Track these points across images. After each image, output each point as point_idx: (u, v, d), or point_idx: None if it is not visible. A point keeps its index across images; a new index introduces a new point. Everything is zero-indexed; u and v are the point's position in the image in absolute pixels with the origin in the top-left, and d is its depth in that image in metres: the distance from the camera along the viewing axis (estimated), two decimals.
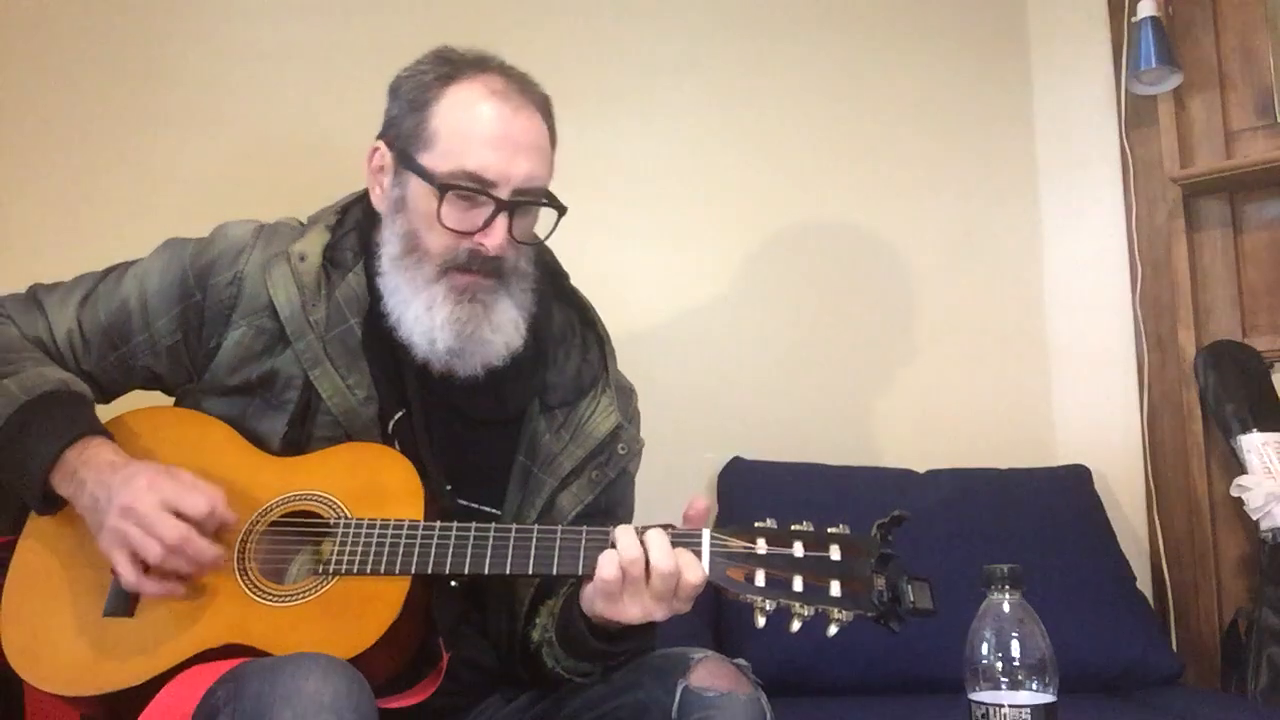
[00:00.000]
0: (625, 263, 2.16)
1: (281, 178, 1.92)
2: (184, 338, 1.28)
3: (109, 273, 1.33)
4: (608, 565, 1.09)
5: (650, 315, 2.19)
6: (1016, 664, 1.03)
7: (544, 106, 1.29)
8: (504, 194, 1.22)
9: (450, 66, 1.26)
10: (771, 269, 2.30)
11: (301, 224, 1.33)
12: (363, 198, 1.35)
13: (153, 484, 1.11)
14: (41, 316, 1.30)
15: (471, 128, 1.22)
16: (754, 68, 2.35)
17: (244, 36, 1.99)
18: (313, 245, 1.27)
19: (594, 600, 1.12)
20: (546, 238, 1.34)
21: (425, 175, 1.22)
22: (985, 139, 2.50)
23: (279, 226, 1.32)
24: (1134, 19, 2.26)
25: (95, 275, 1.33)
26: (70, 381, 1.23)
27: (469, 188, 1.21)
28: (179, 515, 1.10)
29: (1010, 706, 1.01)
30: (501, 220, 1.22)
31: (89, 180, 1.87)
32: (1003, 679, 1.03)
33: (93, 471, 1.14)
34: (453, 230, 1.22)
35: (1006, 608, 1.06)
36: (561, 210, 1.30)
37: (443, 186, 1.21)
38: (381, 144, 1.29)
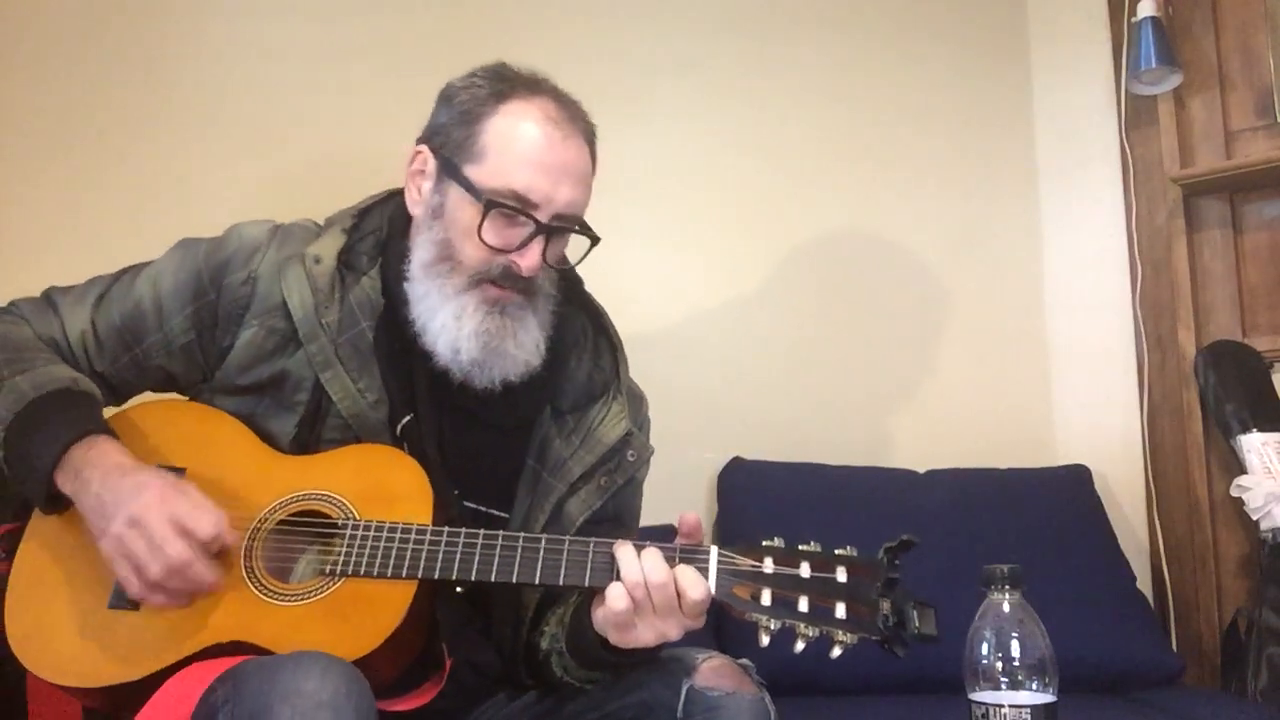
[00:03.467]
0: (625, 263, 2.14)
1: (281, 178, 1.93)
2: (198, 336, 1.27)
3: (123, 274, 1.33)
4: (617, 598, 1.09)
5: (650, 315, 2.19)
6: (1016, 664, 1.03)
7: (590, 136, 1.31)
8: (544, 217, 1.23)
9: (506, 84, 1.26)
10: (772, 269, 2.30)
11: (318, 225, 1.33)
12: (384, 202, 1.35)
13: (164, 498, 1.10)
14: (55, 317, 1.30)
15: (522, 148, 1.23)
16: (754, 68, 2.35)
17: (244, 36, 1.99)
18: (328, 248, 1.27)
19: (606, 628, 1.12)
20: (577, 263, 1.35)
21: (470, 188, 1.22)
22: (985, 139, 2.50)
23: (293, 228, 1.32)
24: (1134, 19, 2.26)
25: (109, 277, 1.33)
26: (79, 380, 1.22)
27: (512, 207, 1.22)
28: (186, 535, 1.09)
29: (1010, 706, 1.01)
30: (538, 243, 1.23)
31: (89, 180, 1.87)
32: (1003, 679, 1.03)
33: (98, 472, 1.13)
34: (491, 246, 1.22)
35: (1006, 608, 1.06)
36: (595, 240, 1.31)
37: (488, 203, 1.21)
38: (425, 149, 1.29)
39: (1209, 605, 2.17)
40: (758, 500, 2.05)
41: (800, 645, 1.06)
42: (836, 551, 1.11)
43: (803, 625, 1.06)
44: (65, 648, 1.13)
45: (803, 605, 1.07)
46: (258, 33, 2.00)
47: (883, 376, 2.36)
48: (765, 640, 1.07)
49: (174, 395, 1.34)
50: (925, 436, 2.31)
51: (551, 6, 2.21)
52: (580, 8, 2.23)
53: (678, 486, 1.99)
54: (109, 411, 1.29)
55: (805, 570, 1.09)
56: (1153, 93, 2.31)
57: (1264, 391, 2.14)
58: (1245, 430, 2.08)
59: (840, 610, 1.07)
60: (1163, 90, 2.29)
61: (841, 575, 1.09)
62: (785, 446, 2.14)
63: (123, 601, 1.14)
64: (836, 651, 1.06)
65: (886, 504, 2.07)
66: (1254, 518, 2.01)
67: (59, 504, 1.17)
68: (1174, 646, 2.14)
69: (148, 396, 1.34)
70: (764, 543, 1.12)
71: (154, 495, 1.10)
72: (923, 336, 2.39)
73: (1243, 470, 2.07)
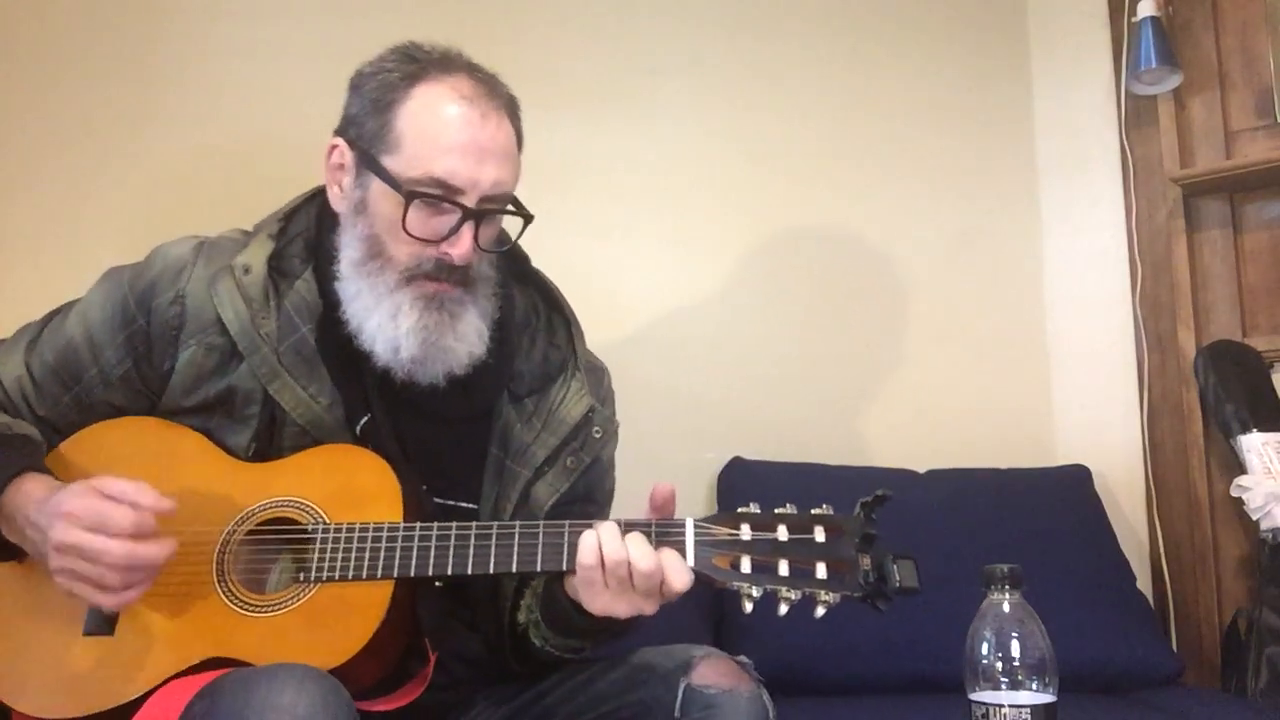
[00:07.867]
0: (626, 262, 2.15)
1: (279, 178, 1.92)
2: (134, 364, 1.24)
3: (52, 316, 1.30)
4: (586, 552, 1.08)
5: (651, 315, 2.19)
6: (1016, 664, 1.03)
7: (512, 109, 1.25)
8: (470, 202, 1.19)
9: (416, 65, 1.22)
10: (772, 269, 2.30)
11: (246, 233, 1.30)
12: (309, 201, 1.33)
13: (73, 513, 1.07)
14: None
15: (439, 133, 1.18)
16: (754, 68, 2.35)
17: (241, 36, 1.99)
18: (256, 256, 1.24)
19: (579, 592, 1.11)
20: (512, 244, 1.32)
21: (390, 180, 1.18)
22: (985, 139, 2.50)
23: (220, 240, 1.29)
24: (1134, 19, 2.27)
25: (39, 321, 1.30)
26: (13, 424, 1.20)
27: (435, 195, 1.18)
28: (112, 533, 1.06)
29: (1010, 706, 1.01)
30: (468, 229, 1.19)
31: (88, 180, 1.87)
32: (1003, 679, 1.03)
33: (22, 512, 1.11)
34: (418, 238, 1.19)
35: (1006, 608, 1.06)
36: (528, 218, 1.27)
37: (409, 194, 1.17)
38: (341, 141, 1.25)
39: (1209, 605, 2.18)
40: (758, 500, 2.04)
41: (784, 609, 1.06)
42: (812, 511, 1.12)
43: (784, 589, 1.06)
44: (44, 679, 1.11)
45: (783, 569, 1.07)
46: (257, 33, 2.00)
47: (883, 376, 2.35)
48: (749, 607, 1.07)
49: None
50: (925, 436, 2.30)
51: (553, 6, 2.21)
52: (581, 7, 2.23)
53: (678, 486, 1.99)
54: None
55: (783, 533, 1.09)
56: (1153, 93, 2.31)
57: (1264, 391, 2.14)
58: (1245, 430, 2.08)
59: (821, 570, 1.07)
60: (1163, 90, 2.29)
61: (819, 535, 1.09)
62: (785, 446, 2.14)
63: (99, 625, 1.12)
64: (820, 611, 1.06)
65: (887, 504, 2.06)
66: (1254, 518, 2.01)
67: (17, 553, 1.16)
68: (1174, 646, 2.14)
69: None
70: (740, 510, 1.12)
71: (65, 513, 1.07)
72: (923, 336, 2.39)
73: (1243, 470, 2.07)
